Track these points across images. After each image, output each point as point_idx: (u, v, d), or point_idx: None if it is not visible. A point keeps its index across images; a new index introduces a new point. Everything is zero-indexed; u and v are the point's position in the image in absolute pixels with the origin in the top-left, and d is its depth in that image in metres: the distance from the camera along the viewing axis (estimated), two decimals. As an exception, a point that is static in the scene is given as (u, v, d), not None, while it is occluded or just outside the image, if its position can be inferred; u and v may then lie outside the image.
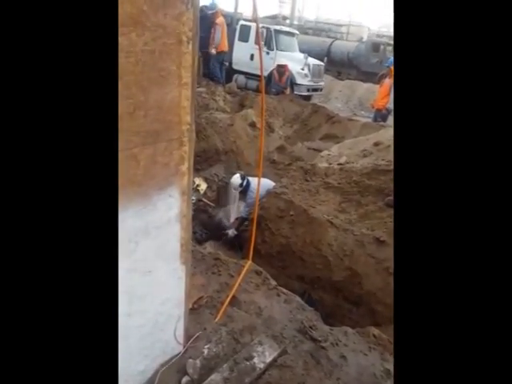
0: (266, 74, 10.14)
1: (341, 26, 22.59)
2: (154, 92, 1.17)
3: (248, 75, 10.88)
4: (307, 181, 4.00)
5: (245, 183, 4.24)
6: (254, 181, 4.29)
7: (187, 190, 1.43)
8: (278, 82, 9.22)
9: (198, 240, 4.00)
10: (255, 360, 1.63)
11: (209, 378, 1.50)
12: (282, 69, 9.34)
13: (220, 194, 5.32)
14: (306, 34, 19.00)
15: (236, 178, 4.32)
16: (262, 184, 4.20)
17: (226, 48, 9.93)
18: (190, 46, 1.25)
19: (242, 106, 6.94)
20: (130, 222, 1.20)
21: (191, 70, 1.28)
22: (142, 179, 1.20)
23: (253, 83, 10.61)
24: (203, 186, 4.97)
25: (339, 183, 3.93)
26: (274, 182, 4.34)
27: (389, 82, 6.68)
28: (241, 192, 4.34)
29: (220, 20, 9.16)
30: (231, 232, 4.09)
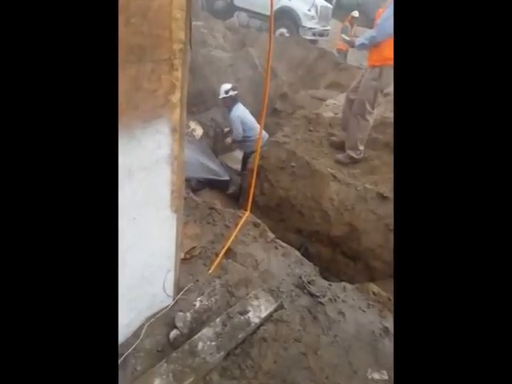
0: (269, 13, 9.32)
1: (354, -37, 20.54)
2: (136, -8, 0.91)
3: (251, 13, 9.99)
4: (310, 131, 3.75)
5: (231, 94, 4.22)
6: (239, 110, 4.19)
7: (179, 126, 1.22)
8: None
9: (192, 188, 3.84)
10: (250, 314, 1.54)
11: (199, 333, 1.41)
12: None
13: (217, 140, 5.07)
14: (316, -30, 17.28)
15: (226, 85, 4.31)
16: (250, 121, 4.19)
17: None
18: None
19: (243, 45, 6.39)
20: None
21: (185, -31, 1.00)
22: (122, 107, 0.98)
23: (255, 22, 9.78)
24: (199, 131, 4.70)
25: (344, 135, 3.69)
26: (275, 132, 4.14)
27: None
28: (223, 101, 4.31)
29: None
30: (232, 189, 4.16)
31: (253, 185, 2.15)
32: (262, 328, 1.52)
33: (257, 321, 1.52)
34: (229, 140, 4.55)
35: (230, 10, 10.20)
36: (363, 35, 3.06)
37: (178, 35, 1.07)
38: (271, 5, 1.83)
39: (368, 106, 3.04)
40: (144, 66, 1.01)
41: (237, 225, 2.12)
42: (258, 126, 4.31)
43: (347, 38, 3.65)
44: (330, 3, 11.06)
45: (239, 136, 4.27)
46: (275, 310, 1.62)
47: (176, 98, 1.16)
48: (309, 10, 9.61)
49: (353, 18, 8.67)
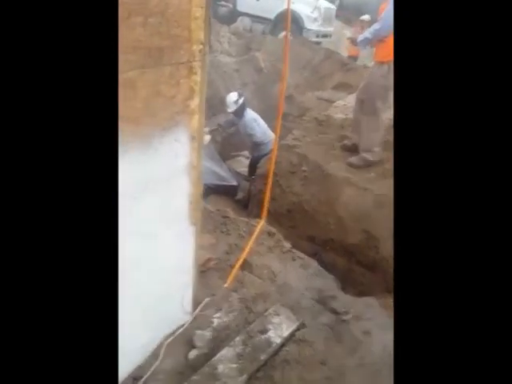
0: (272, 16, 9.25)
1: (356, -35, 20.50)
2: (155, -11, 0.83)
3: (254, 18, 9.92)
4: (322, 133, 3.66)
5: (241, 102, 4.04)
6: (250, 114, 4.11)
7: (198, 134, 1.14)
8: None
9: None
10: (271, 333, 1.44)
11: (219, 354, 1.31)
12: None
13: (224, 146, 4.99)
14: (319, -28, 17.24)
15: (232, 95, 4.10)
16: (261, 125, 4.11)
17: None
18: None
19: (248, 49, 6.32)
20: (126, 170, 0.90)
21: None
22: (141, 115, 0.89)
23: (258, 26, 9.71)
24: (206, 137, 4.61)
25: (356, 137, 3.59)
26: (283, 135, 4.05)
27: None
28: (234, 113, 4.12)
29: None
30: (239, 195, 4.04)
31: (268, 192, 2.06)
32: (284, 349, 1.42)
33: (278, 341, 1.42)
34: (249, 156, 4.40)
35: (234, 15, 10.14)
36: (367, 30, 2.94)
37: (197, 36, 0.99)
38: (288, 6, 1.76)
39: (379, 104, 2.92)
40: (163, 70, 0.92)
41: (251, 234, 2.02)
42: (268, 129, 4.22)
43: (349, 35, 3.56)
44: (334, 4, 10.96)
45: (259, 139, 4.08)
46: (297, 329, 1.52)
47: (195, 103, 1.08)
48: (312, 12, 9.51)
49: (363, 21, 8.58)
